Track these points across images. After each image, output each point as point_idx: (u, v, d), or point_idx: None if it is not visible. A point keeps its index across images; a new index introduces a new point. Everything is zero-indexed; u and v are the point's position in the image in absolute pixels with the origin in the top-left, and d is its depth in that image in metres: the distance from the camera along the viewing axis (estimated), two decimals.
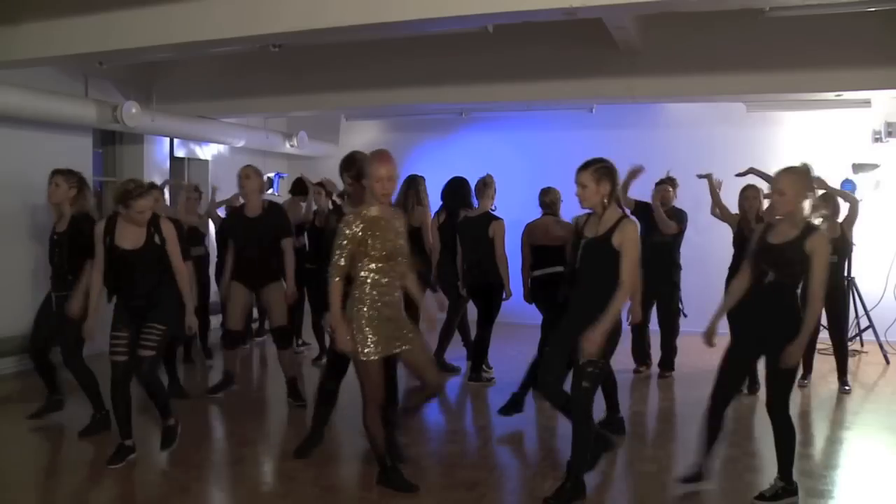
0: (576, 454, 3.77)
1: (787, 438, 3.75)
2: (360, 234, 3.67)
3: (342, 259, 3.68)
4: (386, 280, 3.76)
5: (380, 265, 3.72)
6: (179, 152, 8.82)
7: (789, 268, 3.63)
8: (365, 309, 3.71)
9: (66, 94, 6.74)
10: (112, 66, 6.87)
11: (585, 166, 3.75)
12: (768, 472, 3.94)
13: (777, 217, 3.74)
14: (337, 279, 3.68)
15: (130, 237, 4.27)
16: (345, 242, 3.67)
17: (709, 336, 3.92)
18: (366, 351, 3.70)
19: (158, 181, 8.34)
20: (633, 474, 4.34)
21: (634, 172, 5.73)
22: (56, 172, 4.92)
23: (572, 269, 3.86)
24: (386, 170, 3.72)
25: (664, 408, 5.83)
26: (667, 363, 6.56)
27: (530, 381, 5.16)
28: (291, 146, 9.65)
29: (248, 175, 5.53)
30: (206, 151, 9.22)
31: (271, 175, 9.21)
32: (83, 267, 4.68)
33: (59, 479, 4.25)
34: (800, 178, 3.65)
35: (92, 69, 7.00)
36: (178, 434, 4.46)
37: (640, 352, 6.69)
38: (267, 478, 4.36)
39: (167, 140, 8.55)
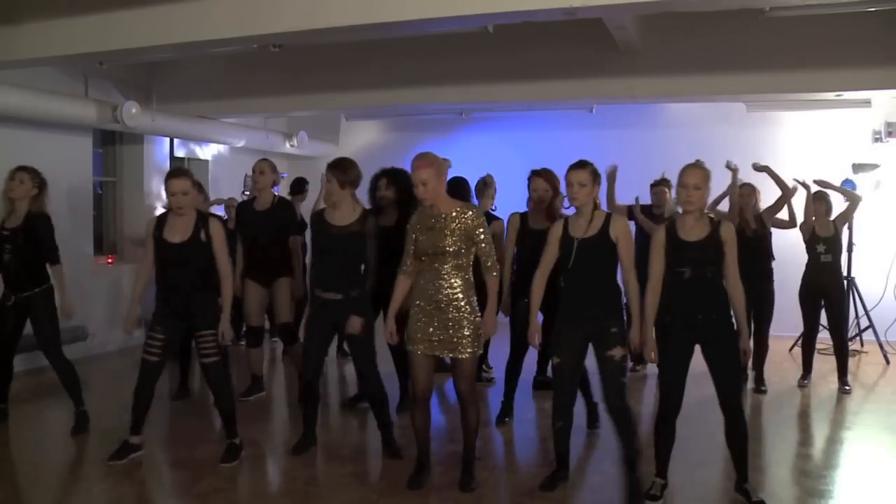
0: (630, 450, 3.83)
1: (745, 438, 3.74)
2: (411, 233, 3.91)
3: (405, 257, 3.95)
4: (426, 278, 3.85)
5: (420, 263, 3.89)
6: (179, 152, 8.82)
7: (714, 265, 3.66)
8: (415, 303, 3.89)
9: (66, 94, 6.74)
10: (112, 66, 6.87)
11: (582, 166, 3.83)
12: (769, 472, 3.96)
13: (683, 211, 3.74)
14: (400, 275, 3.98)
15: (179, 231, 4.29)
16: (408, 241, 3.94)
17: (651, 353, 3.80)
18: (405, 339, 3.93)
19: (159, 181, 8.40)
20: None
21: (612, 175, 5.99)
22: (21, 169, 4.92)
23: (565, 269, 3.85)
24: (415, 176, 3.80)
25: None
26: None
27: (514, 385, 5.24)
28: (291, 146, 9.65)
29: (263, 170, 5.57)
30: (206, 151, 9.21)
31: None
32: (42, 268, 4.83)
33: (57, 479, 4.25)
34: (707, 173, 3.76)
35: (92, 69, 7.00)
36: (240, 454, 4.45)
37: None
38: (267, 477, 4.36)
39: (167, 140, 8.55)
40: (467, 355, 3.83)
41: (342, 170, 4.41)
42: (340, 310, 4.38)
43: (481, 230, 3.82)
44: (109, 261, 7.98)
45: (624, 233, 3.76)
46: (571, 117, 9.16)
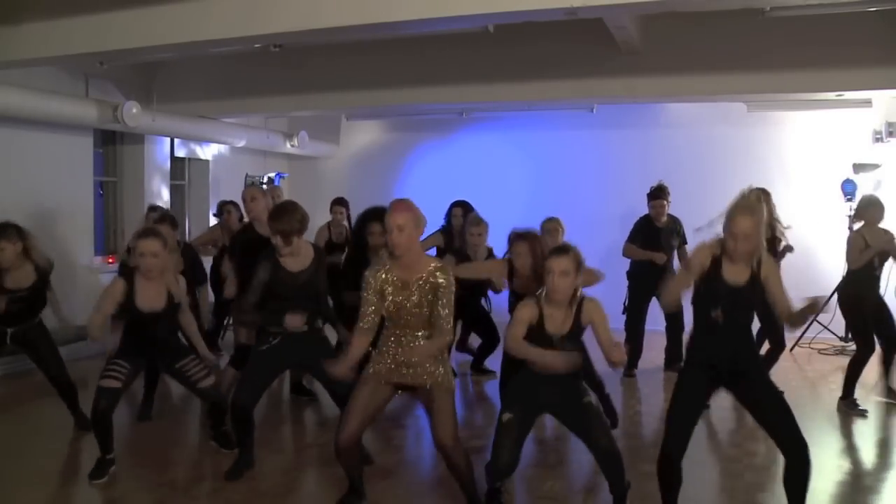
0: (621, 488, 3.70)
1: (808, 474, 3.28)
2: (377, 285, 3.35)
3: (365, 313, 3.37)
4: (388, 345, 3.43)
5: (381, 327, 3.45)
6: (180, 152, 8.84)
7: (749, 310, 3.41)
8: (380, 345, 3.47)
9: (67, 94, 6.75)
10: (112, 66, 6.88)
11: (564, 251, 3.48)
12: (769, 472, 3.95)
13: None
14: (358, 334, 3.41)
15: (151, 298, 4.21)
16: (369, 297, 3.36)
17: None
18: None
19: (159, 181, 8.42)
20: (633, 475, 4.32)
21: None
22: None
23: None
24: (390, 219, 3.27)
25: (664, 408, 5.81)
26: (675, 361, 6.55)
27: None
28: (292, 146, 9.67)
29: (255, 197, 5.13)
30: (207, 151, 9.23)
31: (272, 175, 9.24)
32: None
33: (57, 479, 4.25)
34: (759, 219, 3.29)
35: (92, 69, 7.01)
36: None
37: (633, 357, 6.67)
38: (266, 478, 4.35)
39: (168, 140, 8.56)
40: (440, 383, 3.36)
41: (284, 221, 4.00)
42: (304, 341, 4.16)
43: (446, 297, 3.32)
44: (110, 260, 7.98)
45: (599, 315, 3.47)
46: (572, 117, 9.16)
